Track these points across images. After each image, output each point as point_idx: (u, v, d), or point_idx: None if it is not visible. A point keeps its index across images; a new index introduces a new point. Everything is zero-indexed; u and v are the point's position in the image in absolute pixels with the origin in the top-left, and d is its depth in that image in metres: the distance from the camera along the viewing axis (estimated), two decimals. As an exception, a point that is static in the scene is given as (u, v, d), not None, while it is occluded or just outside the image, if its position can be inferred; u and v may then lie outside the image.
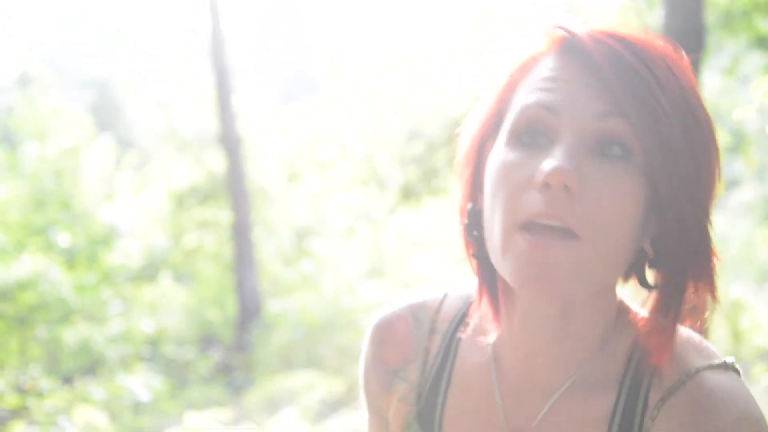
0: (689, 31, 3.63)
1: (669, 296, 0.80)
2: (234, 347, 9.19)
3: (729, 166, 13.04)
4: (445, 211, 9.94)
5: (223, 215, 11.00)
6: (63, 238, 9.08)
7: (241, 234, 9.83)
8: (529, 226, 0.75)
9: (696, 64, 3.77)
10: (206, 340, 9.49)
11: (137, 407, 5.95)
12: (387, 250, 10.77)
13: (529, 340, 0.83)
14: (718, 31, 5.24)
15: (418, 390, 0.92)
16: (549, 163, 0.74)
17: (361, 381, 1.00)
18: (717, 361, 0.81)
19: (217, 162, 11.36)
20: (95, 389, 5.76)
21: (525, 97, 0.80)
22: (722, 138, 5.89)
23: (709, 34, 4.68)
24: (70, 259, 9.09)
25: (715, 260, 0.80)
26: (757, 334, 7.50)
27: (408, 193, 12.44)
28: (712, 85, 6.90)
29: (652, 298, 0.82)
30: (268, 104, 13.76)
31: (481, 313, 0.90)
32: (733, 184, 14.49)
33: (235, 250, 9.84)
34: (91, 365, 7.27)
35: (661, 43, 0.80)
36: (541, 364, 0.84)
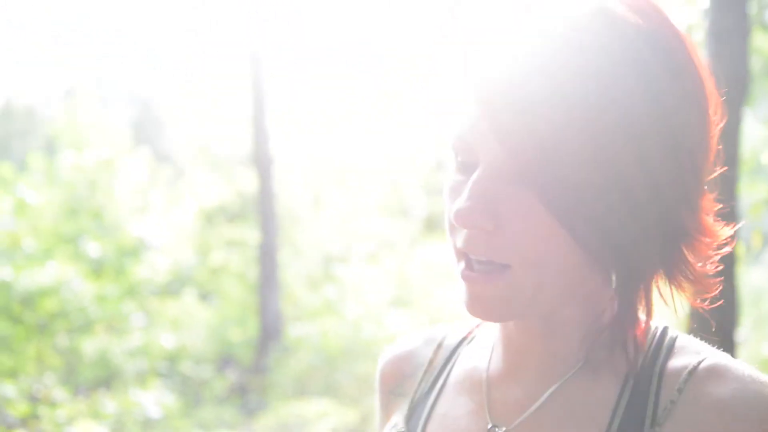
0: (733, 78, 3.52)
1: (621, 303, 0.77)
2: (252, 369, 9.12)
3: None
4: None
5: (251, 235, 11.00)
6: (92, 248, 9.14)
7: (267, 255, 9.81)
8: (464, 256, 0.76)
9: (738, 113, 3.66)
10: (225, 360, 9.44)
11: (147, 423, 5.89)
12: (412, 280, 10.66)
13: (518, 337, 0.83)
14: (763, 79, 5.12)
15: (412, 397, 0.92)
16: (455, 205, 0.73)
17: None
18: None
19: (248, 181, 11.40)
20: (107, 402, 5.71)
21: (453, 121, 0.78)
22: (763, 191, 5.72)
23: (753, 82, 4.56)
24: (98, 269, 9.13)
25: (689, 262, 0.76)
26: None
27: (432, 224, 12.36)
28: (755, 136, 6.74)
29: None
30: (303, 127, 13.83)
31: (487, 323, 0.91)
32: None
33: (261, 271, 9.82)
34: (108, 377, 7.25)
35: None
36: (531, 361, 0.83)
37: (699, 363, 0.76)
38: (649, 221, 0.72)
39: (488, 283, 0.74)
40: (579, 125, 0.68)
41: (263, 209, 9.94)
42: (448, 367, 0.92)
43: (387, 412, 0.95)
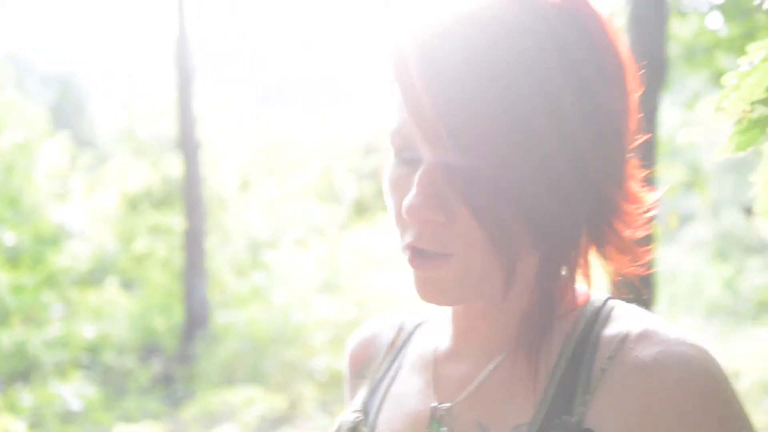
0: (651, 63, 3.61)
1: (542, 281, 0.78)
2: (177, 358, 8.94)
3: (684, 201, 13.22)
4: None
5: (177, 221, 10.76)
6: (8, 236, 8.81)
7: (193, 241, 9.62)
8: (410, 246, 0.77)
9: (656, 98, 3.75)
10: (149, 349, 9.22)
11: (68, 416, 5.70)
12: (342, 266, 10.64)
13: (464, 316, 0.85)
14: (680, 65, 5.27)
15: (372, 379, 0.93)
16: (406, 200, 0.74)
17: None
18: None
19: (173, 166, 11.14)
20: (25, 396, 5.51)
21: (391, 116, 0.79)
22: (679, 173, 5.92)
23: (671, 67, 4.69)
24: (14, 258, 8.80)
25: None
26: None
27: (362, 208, 12.36)
28: (671, 120, 6.95)
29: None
30: (232, 111, 13.59)
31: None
32: (687, 219, 14.70)
33: (186, 257, 9.62)
34: (25, 370, 6.99)
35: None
36: (475, 340, 0.84)
37: (631, 329, 0.77)
38: (571, 195, 0.73)
39: (431, 269, 0.76)
40: (495, 102, 0.70)
41: (189, 194, 9.73)
42: (406, 348, 0.93)
43: (353, 395, 0.96)
